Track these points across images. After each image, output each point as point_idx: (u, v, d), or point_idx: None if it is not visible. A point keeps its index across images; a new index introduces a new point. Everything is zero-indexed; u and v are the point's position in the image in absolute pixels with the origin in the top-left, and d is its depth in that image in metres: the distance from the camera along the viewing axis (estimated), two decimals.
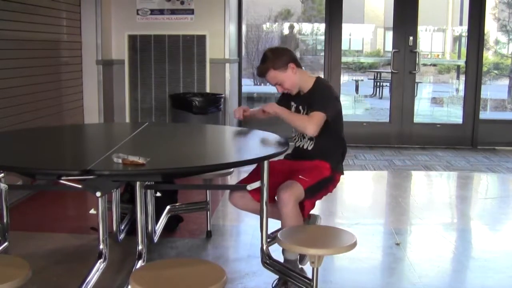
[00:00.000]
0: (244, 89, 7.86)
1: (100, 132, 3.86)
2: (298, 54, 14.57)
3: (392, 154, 6.76)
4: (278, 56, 3.01)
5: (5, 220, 3.02)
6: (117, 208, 3.13)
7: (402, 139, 7.19)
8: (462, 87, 7.68)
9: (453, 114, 9.30)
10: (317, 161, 3.00)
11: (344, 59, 9.10)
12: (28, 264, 2.14)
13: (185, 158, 2.76)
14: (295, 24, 15.18)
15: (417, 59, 7.06)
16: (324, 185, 2.98)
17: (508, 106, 10.63)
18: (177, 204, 3.84)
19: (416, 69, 7.10)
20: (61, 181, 2.30)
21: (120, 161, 2.30)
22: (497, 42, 11.15)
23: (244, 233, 4.02)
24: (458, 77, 10.99)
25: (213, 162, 2.81)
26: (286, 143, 2.94)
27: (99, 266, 2.61)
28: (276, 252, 2.90)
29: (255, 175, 2.94)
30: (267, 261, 2.81)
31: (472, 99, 7.07)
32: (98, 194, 2.27)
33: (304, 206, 2.94)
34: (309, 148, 3.05)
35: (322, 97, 2.99)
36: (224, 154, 3.14)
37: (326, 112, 2.93)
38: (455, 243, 3.89)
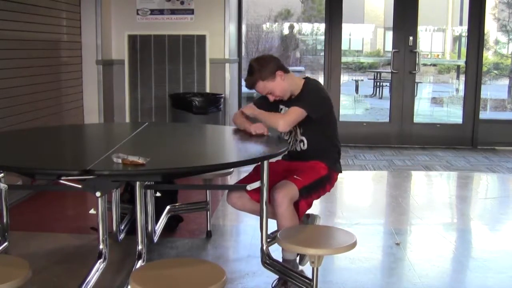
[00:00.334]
0: (244, 89, 7.86)
1: (100, 132, 3.86)
2: (298, 54, 14.59)
3: (392, 154, 6.76)
4: (264, 66, 2.99)
5: (5, 220, 3.02)
6: (117, 208, 3.13)
7: (402, 139, 7.19)
8: (462, 87, 7.68)
9: (453, 114, 9.30)
10: (313, 162, 3.00)
11: (344, 59, 9.10)
12: (28, 264, 2.14)
13: (185, 158, 2.76)
14: (295, 24, 15.19)
15: (417, 59, 7.06)
16: (320, 185, 2.98)
17: (508, 106, 10.63)
18: (177, 204, 3.84)
19: (416, 69, 7.10)
20: (61, 181, 2.31)
21: (120, 161, 2.29)
22: (497, 42, 11.15)
23: (244, 233, 4.02)
24: (458, 77, 11.00)
25: (213, 162, 2.81)
26: (285, 143, 2.95)
27: (99, 266, 2.61)
28: (276, 252, 2.91)
29: (254, 176, 2.94)
30: (267, 261, 2.81)
31: (472, 99, 7.07)
32: (98, 194, 2.27)
33: (300, 206, 2.93)
34: (303, 149, 3.05)
35: (308, 96, 3.00)
36: (224, 154, 3.13)
37: (306, 109, 2.93)
38: (455, 243, 3.89)
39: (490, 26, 10.26)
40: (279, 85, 3.01)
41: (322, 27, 8.73)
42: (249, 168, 3.10)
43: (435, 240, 3.87)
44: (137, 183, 2.67)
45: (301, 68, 14.15)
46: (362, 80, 12.07)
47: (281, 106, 3.12)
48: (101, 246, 2.64)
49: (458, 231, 4.22)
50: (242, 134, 3.10)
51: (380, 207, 4.90)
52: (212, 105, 5.67)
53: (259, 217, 2.82)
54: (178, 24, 6.09)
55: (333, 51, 7.10)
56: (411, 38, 7.00)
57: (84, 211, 4.32)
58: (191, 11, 6.09)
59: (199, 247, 3.67)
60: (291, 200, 2.82)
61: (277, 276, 2.91)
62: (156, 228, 3.36)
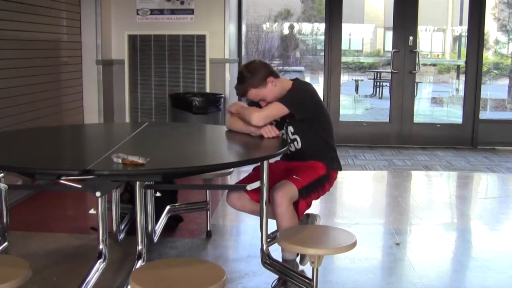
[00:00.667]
0: None
1: (100, 132, 3.86)
2: (298, 54, 14.60)
3: (392, 154, 6.76)
4: (255, 74, 2.96)
5: (5, 220, 3.02)
6: (117, 208, 3.13)
7: (402, 139, 7.19)
8: (462, 87, 7.68)
9: (453, 114, 9.30)
10: (311, 162, 3.00)
11: (344, 59, 9.10)
12: (28, 264, 2.14)
13: (185, 158, 2.76)
14: (295, 24, 15.20)
15: (417, 59, 7.06)
16: (319, 184, 2.98)
17: (508, 106, 10.64)
18: (177, 204, 3.84)
19: (416, 69, 7.10)
20: (61, 181, 2.31)
21: (119, 161, 2.29)
22: (497, 42, 11.16)
23: (244, 233, 4.02)
24: (458, 77, 11.01)
25: (213, 162, 2.81)
26: (285, 143, 2.95)
27: (99, 266, 2.61)
28: (276, 252, 2.91)
29: (254, 176, 2.94)
30: (267, 261, 2.81)
31: (472, 99, 7.07)
32: (97, 194, 2.27)
33: (299, 206, 2.93)
34: (297, 148, 3.04)
35: (291, 94, 2.99)
36: (224, 154, 3.13)
37: (286, 105, 2.92)
38: (455, 243, 3.89)
39: (490, 26, 10.26)
40: (271, 91, 2.99)
41: (322, 27, 8.74)
42: (249, 168, 3.10)
43: (435, 240, 3.87)
44: (137, 183, 2.67)
45: (301, 68, 14.16)
46: (362, 80, 12.08)
47: None
48: (101, 246, 2.64)
49: (458, 231, 4.22)
50: (242, 134, 3.08)
51: (380, 207, 4.90)
52: (212, 105, 5.67)
53: (259, 217, 2.82)
54: (178, 24, 6.09)
55: (333, 51, 7.10)
56: (411, 38, 7.00)
57: (84, 211, 4.32)
58: (191, 11, 6.09)
59: (199, 247, 3.67)
60: (291, 200, 2.82)
61: (277, 276, 2.91)
62: (156, 228, 3.36)
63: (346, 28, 8.13)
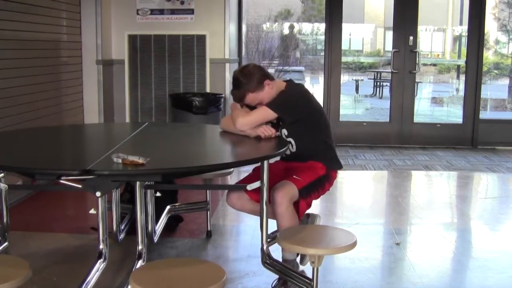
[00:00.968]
0: None
1: (100, 132, 3.86)
2: (298, 54, 14.60)
3: (392, 154, 6.76)
4: (251, 78, 2.95)
5: (5, 220, 3.03)
6: (117, 208, 3.13)
7: (402, 139, 7.19)
8: (462, 86, 7.68)
9: (453, 114, 9.31)
10: (310, 162, 3.00)
11: (344, 59, 9.10)
12: (28, 264, 2.14)
13: (185, 158, 2.76)
14: (295, 24, 15.20)
15: (417, 59, 7.06)
16: (319, 184, 2.98)
17: (508, 105, 10.64)
18: (177, 204, 3.84)
19: (416, 69, 7.10)
20: (61, 181, 2.30)
21: (120, 161, 2.30)
22: (497, 41, 11.16)
23: (244, 233, 4.02)
24: (458, 77, 11.01)
25: (213, 162, 2.81)
26: (285, 142, 2.95)
27: (99, 266, 2.61)
28: (276, 252, 2.91)
29: (253, 176, 2.94)
30: (267, 261, 2.81)
31: (472, 99, 7.07)
32: (98, 194, 2.27)
33: (299, 206, 2.93)
34: (292, 151, 3.04)
35: (281, 98, 2.97)
36: (224, 154, 3.13)
37: (275, 110, 2.92)
38: (455, 243, 3.89)
39: (490, 26, 10.26)
40: (268, 94, 2.98)
41: (322, 27, 8.74)
42: (249, 168, 3.10)
43: (435, 240, 3.87)
44: (137, 183, 2.67)
45: (301, 68, 14.17)
46: (362, 80, 12.09)
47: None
48: (101, 246, 2.64)
49: (458, 231, 4.22)
50: (242, 134, 3.08)
51: (380, 207, 4.90)
52: (212, 105, 5.67)
53: (259, 217, 2.82)
54: (178, 24, 6.09)
55: (333, 51, 7.10)
56: (411, 38, 7.00)
57: (84, 211, 4.32)
58: (191, 11, 6.09)
59: (199, 247, 3.67)
60: (291, 200, 2.82)
61: (277, 276, 2.91)
62: (156, 228, 3.36)
63: (346, 28, 8.13)
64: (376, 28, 15.81)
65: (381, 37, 15.76)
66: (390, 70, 7.23)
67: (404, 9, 6.98)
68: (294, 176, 2.88)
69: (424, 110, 10.22)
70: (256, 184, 2.75)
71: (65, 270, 3.22)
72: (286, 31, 14.88)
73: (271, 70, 12.88)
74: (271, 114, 2.95)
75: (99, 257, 2.63)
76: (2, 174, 2.88)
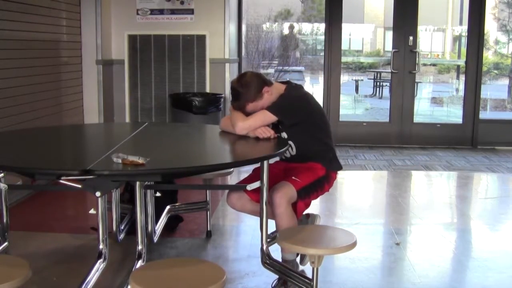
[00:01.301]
0: None
1: (100, 132, 3.86)
2: (298, 54, 14.60)
3: (392, 154, 6.76)
4: (249, 88, 2.95)
5: (5, 220, 3.02)
6: (117, 208, 3.13)
7: (402, 139, 7.19)
8: (462, 87, 7.68)
9: (453, 114, 9.31)
10: (310, 163, 3.00)
11: (344, 59, 9.10)
12: (28, 264, 2.14)
13: (185, 158, 2.76)
14: (295, 24, 15.19)
15: (417, 59, 7.06)
16: (318, 185, 2.97)
17: (508, 106, 10.64)
18: (177, 204, 3.84)
19: (416, 69, 7.10)
20: (61, 181, 2.31)
21: (119, 161, 2.30)
22: (497, 42, 11.16)
23: (244, 233, 4.02)
24: (458, 77, 11.01)
25: (213, 162, 2.81)
26: (285, 142, 2.95)
27: (99, 266, 2.61)
28: (276, 252, 2.91)
29: (253, 177, 2.94)
30: (267, 261, 2.81)
31: (472, 99, 7.07)
32: (97, 194, 2.27)
33: (297, 206, 2.93)
34: (292, 154, 3.04)
35: (281, 101, 2.97)
36: (224, 154, 3.13)
37: (275, 113, 2.92)
38: (455, 243, 3.89)
39: (490, 26, 10.27)
40: (268, 101, 2.97)
41: (322, 27, 8.73)
42: (249, 169, 3.10)
43: (435, 240, 3.87)
44: (137, 183, 2.67)
45: (301, 68, 14.16)
46: (362, 80, 12.09)
47: None
48: (101, 246, 2.64)
49: (458, 231, 4.22)
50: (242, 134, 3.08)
51: (380, 207, 4.90)
52: (212, 105, 5.67)
53: (258, 217, 2.82)
54: (178, 24, 6.09)
55: (333, 51, 7.10)
56: (411, 38, 7.00)
57: (84, 211, 4.32)
58: (191, 11, 6.09)
59: (199, 247, 3.67)
60: (290, 201, 2.82)
61: (277, 276, 2.91)
62: (156, 228, 3.36)
63: (346, 28, 8.13)
64: (376, 28, 15.81)
65: (381, 37, 15.76)
66: (390, 70, 7.23)
67: (404, 9, 6.98)
68: (293, 177, 2.88)
69: (424, 110, 10.22)
70: (256, 184, 2.75)
71: (65, 270, 3.22)
72: (286, 31, 14.87)
73: (271, 70, 12.88)
74: (270, 118, 2.95)
75: (99, 257, 2.62)
76: (2, 174, 2.88)
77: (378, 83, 11.62)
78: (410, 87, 7.18)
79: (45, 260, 3.34)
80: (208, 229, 3.82)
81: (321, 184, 2.99)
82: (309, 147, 3.02)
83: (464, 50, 7.78)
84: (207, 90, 6.04)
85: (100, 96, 5.88)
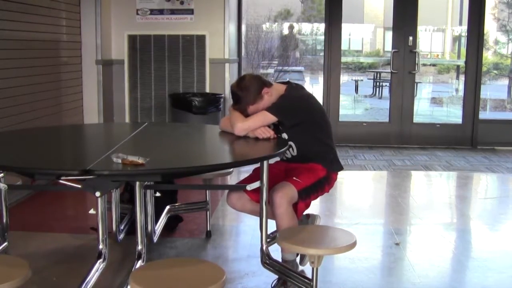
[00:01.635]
0: None
1: (99, 132, 3.86)
2: (297, 54, 14.59)
3: (392, 154, 6.76)
4: (248, 91, 2.96)
5: (4, 220, 3.02)
6: (117, 208, 3.13)
7: (402, 139, 7.19)
8: (461, 87, 7.68)
9: (453, 114, 9.31)
10: (311, 164, 3.00)
11: (343, 59, 9.10)
12: (27, 264, 2.14)
13: (184, 158, 2.76)
14: (294, 24, 15.19)
15: (416, 59, 7.06)
16: (319, 186, 2.97)
17: (508, 106, 10.64)
18: (177, 204, 3.84)
19: (416, 69, 7.10)
20: (61, 181, 2.31)
21: (119, 161, 2.30)
22: (496, 42, 11.16)
23: (244, 233, 4.02)
24: (457, 77, 11.01)
25: (213, 162, 2.81)
26: (285, 142, 2.95)
27: (99, 266, 2.61)
28: (275, 252, 2.91)
29: (253, 177, 2.93)
30: (267, 261, 2.81)
31: (472, 99, 7.07)
32: (97, 194, 2.27)
33: (298, 207, 2.93)
34: (293, 154, 3.04)
35: (281, 102, 2.97)
36: (224, 154, 3.13)
37: (275, 114, 2.92)
38: (455, 243, 3.89)
39: (490, 26, 10.27)
40: (268, 102, 2.98)
41: (321, 27, 8.73)
42: (249, 169, 3.10)
43: (435, 240, 3.87)
44: (137, 183, 2.67)
45: (301, 68, 14.16)
46: (361, 80, 12.09)
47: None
48: (100, 246, 2.64)
49: (457, 231, 4.22)
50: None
51: (379, 207, 4.90)
52: (211, 105, 5.67)
53: (258, 217, 2.82)
54: (178, 24, 6.09)
55: (333, 51, 7.10)
56: (410, 38, 7.00)
57: (83, 211, 4.32)
58: (190, 11, 6.09)
59: (199, 247, 3.67)
60: (290, 201, 2.82)
61: (276, 276, 2.91)
62: (155, 228, 3.36)
63: (346, 28, 8.14)
64: (376, 28, 15.81)
65: (381, 37, 15.76)
66: (389, 70, 7.23)
67: (403, 9, 6.98)
68: (294, 178, 2.88)
69: (424, 110, 10.22)
70: (256, 184, 2.75)
71: (65, 270, 3.22)
72: (285, 31, 14.87)
73: (270, 70, 12.87)
74: (270, 119, 2.95)
75: (99, 257, 2.62)
76: (2, 174, 2.88)
77: (377, 83, 11.63)
78: (410, 87, 7.18)
79: (45, 260, 3.34)
80: (208, 229, 3.82)
81: (322, 185, 3.00)
82: (309, 148, 3.02)
83: (463, 50, 7.79)
84: (207, 90, 6.04)
85: (100, 96, 5.88)
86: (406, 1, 6.97)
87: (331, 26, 7.07)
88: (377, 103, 11.02)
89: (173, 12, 6.09)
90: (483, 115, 7.97)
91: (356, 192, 5.36)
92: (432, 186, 5.67)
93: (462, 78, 7.99)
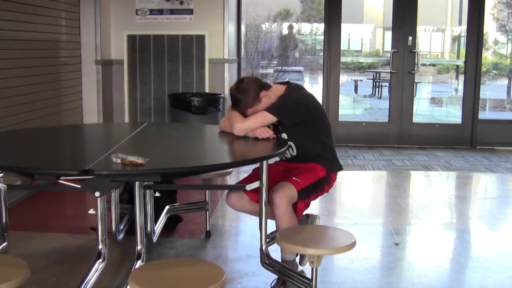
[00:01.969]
0: None
1: (99, 132, 3.86)
2: (297, 54, 14.59)
3: (391, 154, 6.76)
4: (247, 93, 2.97)
5: (4, 220, 3.02)
6: (116, 208, 3.12)
7: (401, 139, 7.20)
8: (461, 87, 7.68)
9: (452, 114, 9.31)
10: (310, 164, 3.00)
11: (343, 59, 9.10)
12: (27, 264, 2.14)
13: (184, 158, 2.76)
14: (294, 24, 15.19)
15: (416, 59, 7.07)
16: (319, 186, 2.98)
17: (507, 106, 10.64)
18: (176, 204, 3.84)
19: (415, 69, 7.10)
20: (60, 181, 2.31)
21: (119, 161, 2.30)
22: (496, 42, 11.17)
23: (243, 233, 4.02)
24: (457, 77, 11.01)
25: (212, 162, 2.82)
26: (285, 142, 2.95)
27: (98, 266, 2.61)
28: (275, 252, 2.91)
29: (253, 177, 2.94)
30: (266, 261, 2.81)
31: (471, 99, 7.07)
32: (97, 194, 2.27)
33: (297, 207, 2.93)
34: (293, 154, 3.04)
35: (281, 102, 2.98)
36: (223, 154, 3.14)
37: (274, 114, 2.93)
38: (454, 243, 3.89)
39: (489, 26, 10.27)
40: (266, 104, 2.98)
41: (321, 27, 8.74)
42: (249, 169, 3.10)
43: (434, 240, 3.87)
44: (136, 183, 2.67)
45: (300, 68, 14.15)
46: (361, 80, 12.08)
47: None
48: (100, 246, 2.64)
49: (457, 231, 4.22)
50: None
51: (379, 207, 4.90)
52: (211, 105, 5.67)
53: (258, 217, 2.82)
54: (177, 24, 6.09)
55: (332, 51, 7.11)
56: (410, 38, 7.00)
57: (83, 211, 4.32)
58: (190, 11, 6.09)
59: (198, 247, 3.67)
60: (290, 202, 2.82)
61: (276, 276, 2.91)
62: (155, 228, 3.36)
63: (345, 28, 8.14)
64: (375, 28, 15.80)
65: (380, 37, 15.75)
66: (389, 70, 7.23)
67: (403, 9, 6.99)
68: (294, 178, 2.88)
69: (423, 110, 10.22)
70: (255, 184, 2.75)
71: (65, 270, 3.22)
72: (285, 31, 14.87)
73: (270, 70, 12.87)
74: (269, 119, 2.95)
75: (98, 257, 2.63)
76: (2, 174, 2.88)
77: (377, 83, 11.62)
78: (409, 87, 7.18)
79: (45, 260, 3.34)
80: (207, 229, 3.82)
81: (321, 185, 3.00)
82: (309, 148, 3.02)
83: (463, 50, 7.79)
84: (206, 90, 6.04)
85: (99, 96, 5.88)
86: (405, 1, 6.97)
87: (331, 26, 7.07)
88: (377, 103, 11.02)
89: (172, 12, 6.09)
90: (483, 115, 7.97)
91: (356, 192, 5.36)
92: (431, 186, 5.68)
93: (461, 78, 7.99)
